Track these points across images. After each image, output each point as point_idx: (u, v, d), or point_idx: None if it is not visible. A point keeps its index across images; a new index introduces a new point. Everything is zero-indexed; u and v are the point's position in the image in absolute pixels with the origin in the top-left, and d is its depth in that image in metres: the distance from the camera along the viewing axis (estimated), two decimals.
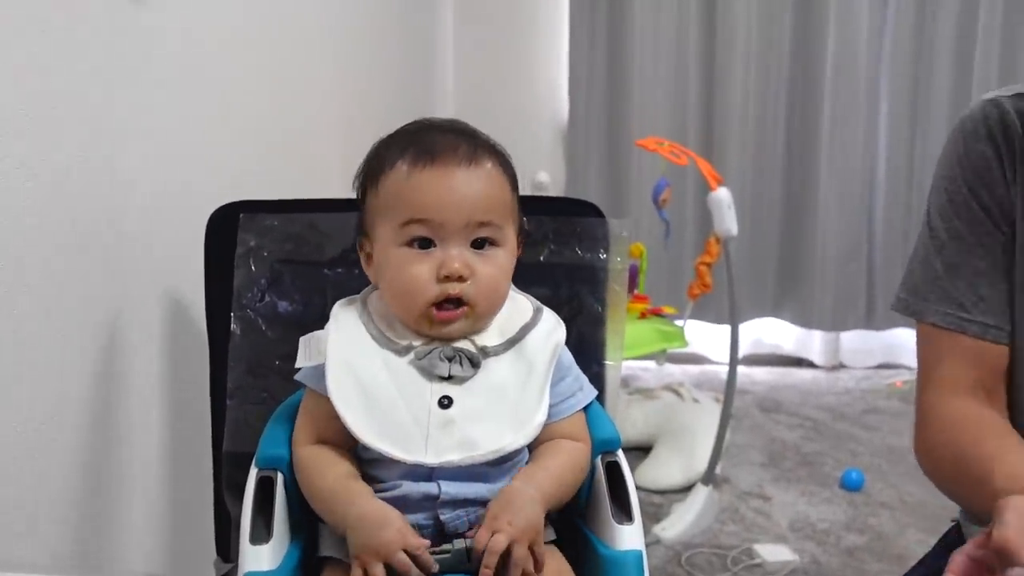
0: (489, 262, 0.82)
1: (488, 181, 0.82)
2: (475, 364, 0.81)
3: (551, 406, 0.83)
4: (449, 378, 0.80)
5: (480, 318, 0.83)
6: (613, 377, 1.03)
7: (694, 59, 3.41)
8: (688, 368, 3.50)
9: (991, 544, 0.66)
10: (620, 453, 0.87)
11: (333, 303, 0.88)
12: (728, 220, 2.07)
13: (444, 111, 3.24)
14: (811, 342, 3.61)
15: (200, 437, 1.07)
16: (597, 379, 1.00)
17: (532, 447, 0.83)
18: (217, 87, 1.31)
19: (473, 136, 0.85)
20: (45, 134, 0.89)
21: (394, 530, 0.73)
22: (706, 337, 3.53)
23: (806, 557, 1.97)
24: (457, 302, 0.80)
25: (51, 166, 0.90)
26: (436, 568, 0.74)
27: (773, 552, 1.96)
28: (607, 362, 1.03)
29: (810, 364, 3.62)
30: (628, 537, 0.80)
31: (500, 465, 0.81)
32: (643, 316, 2.44)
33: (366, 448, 0.80)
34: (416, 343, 0.82)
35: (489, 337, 0.83)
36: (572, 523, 0.87)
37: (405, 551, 0.72)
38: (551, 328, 0.86)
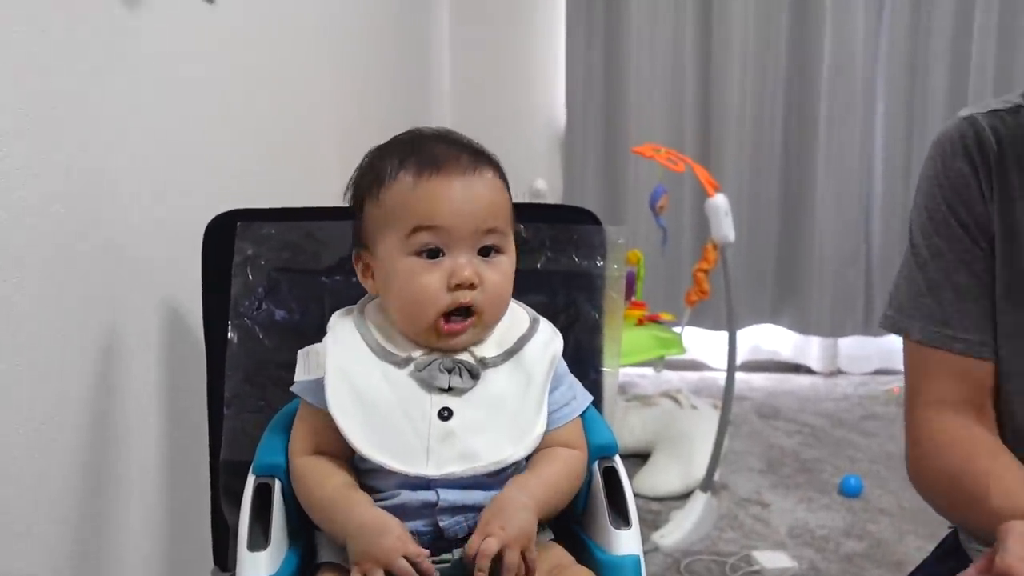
0: (496, 269, 0.82)
1: (492, 188, 0.83)
2: (474, 376, 0.81)
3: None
4: (449, 390, 0.80)
5: (486, 327, 0.83)
6: (611, 384, 1.03)
7: (691, 65, 3.42)
8: (686, 375, 3.50)
9: (994, 570, 0.66)
10: (617, 458, 0.87)
11: (330, 311, 0.88)
12: (725, 226, 2.08)
13: (441, 119, 3.25)
14: (809, 348, 3.61)
15: (197, 445, 1.07)
16: (595, 386, 1.00)
17: (529, 455, 0.83)
18: (214, 94, 1.31)
19: (470, 145, 0.86)
20: (40, 141, 0.89)
21: (394, 537, 0.73)
22: (704, 344, 3.54)
23: (805, 564, 1.97)
24: (466, 312, 0.81)
25: (47, 173, 0.90)
26: (437, 575, 0.74)
27: (772, 559, 1.96)
28: (604, 369, 1.03)
29: (808, 370, 3.62)
30: (626, 542, 0.80)
31: (499, 475, 0.81)
32: (640, 323, 2.44)
33: (364, 459, 0.80)
34: (415, 355, 0.82)
35: (487, 348, 0.84)
36: (570, 529, 0.87)
37: (406, 558, 0.72)
38: (548, 339, 0.87)
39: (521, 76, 3.57)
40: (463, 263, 0.80)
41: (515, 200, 0.87)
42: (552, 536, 0.85)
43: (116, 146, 1.03)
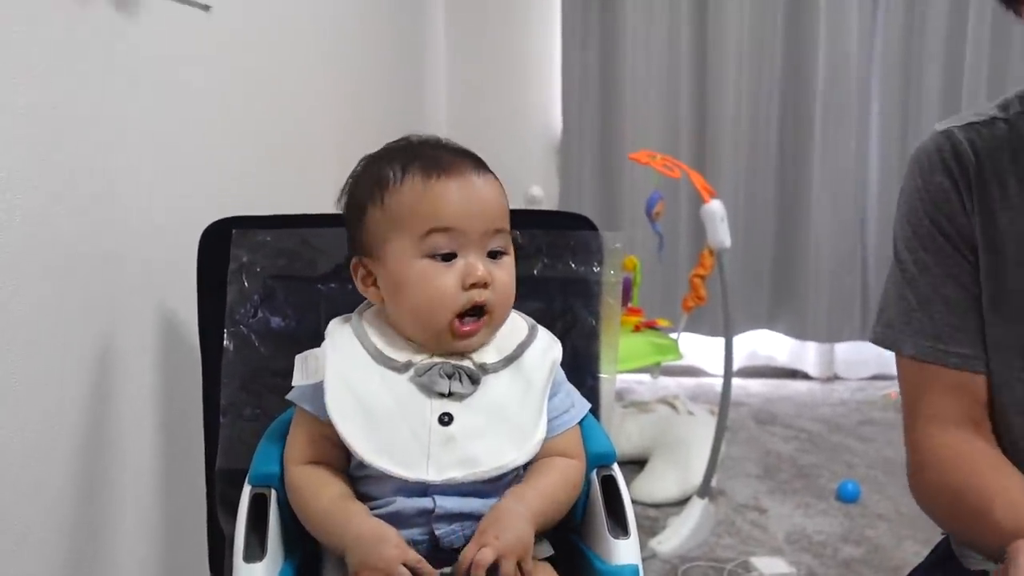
0: (503, 269, 0.83)
1: (497, 190, 0.84)
2: (475, 381, 0.81)
3: None
4: (449, 395, 0.80)
5: (495, 327, 0.84)
6: (608, 390, 1.03)
7: (686, 71, 3.43)
8: (683, 381, 3.50)
9: None
10: (616, 467, 0.87)
11: (326, 318, 0.87)
12: (721, 232, 2.08)
13: (437, 125, 3.25)
14: (805, 353, 3.62)
15: (193, 454, 1.06)
16: (592, 392, 0.99)
17: (528, 464, 0.83)
18: (211, 100, 1.31)
19: (465, 150, 0.86)
20: (36, 147, 0.89)
21: (392, 545, 0.72)
22: (701, 349, 3.54)
23: (803, 569, 1.96)
24: (479, 312, 0.81)
25: (44, 179, 0.90)
26: None
27: (770, 565, 1.95)
28: (602, 375, 1.02)
29: (805, 376, 3.62)
30: (624, 551, 0.79)
31: (497, 482, 0.80)
32: (637, 329, 2.44)
33: (361, 465, 0.79)
34: (415, 360, 0.82)
35: (488, 354, 0.83)
36: (568, 538, 0.87)
37: (405, 565, 0.71)
38: (547, 345, 0.87)
39: (517, 82, 3.57)
40: (476, 263, 0.80)
41: (511, 206, 0.87)
42: (551, 550, 0.84)
43: (112, 153, 1.03)
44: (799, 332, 3.55)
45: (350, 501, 0.79)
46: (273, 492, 0.81)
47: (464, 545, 0.76)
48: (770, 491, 2.41)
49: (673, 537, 2.04)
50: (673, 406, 2.66)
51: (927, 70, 3.34)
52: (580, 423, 0.88)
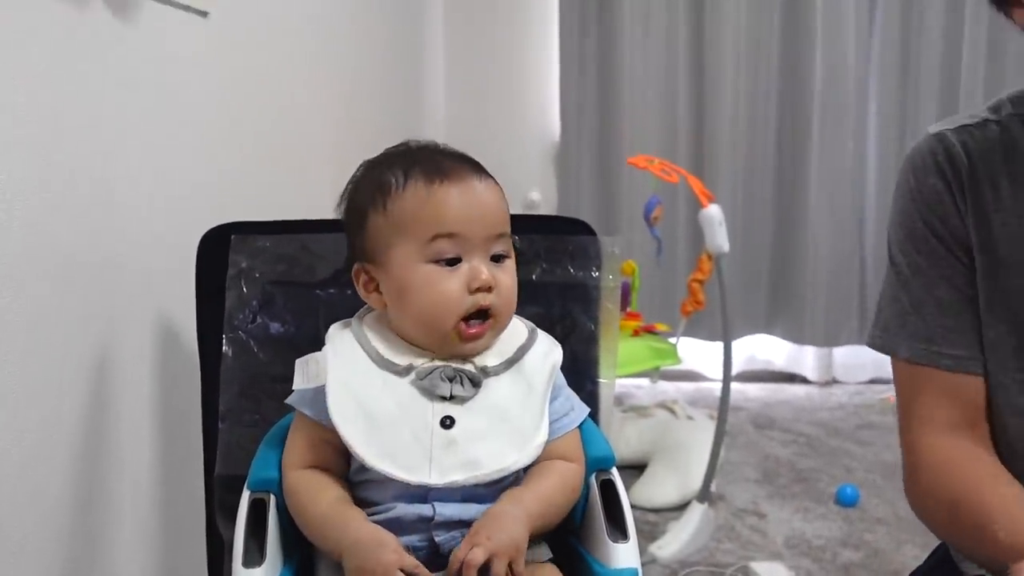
0: (506, 273, 0.83)
1: (498, 195, 0.84)
2: (476, 384, 0.81)
3: None
4: (451, 398, 0.80)
5: (499, 330, 0.84)
6: (607, 395, 1.03)
7: (684, 76, 3.43)
8: (682, 385, 3.50)
9: None
10: (615, 471, 0.87)
11: (325, 324, 0.87)
12: (719, 237, 2.08)
13: (435, 131, 3.25)
14: (804, 358, 3.62)
15: (192, 460, 1.06)
16: (591, 397, 0.99)
17: (529, 466, 0.83)
18: (209, 107, 1.31)
19: (463, 154, 0.86)
20: (34, 154, 0.89)
21: (390, 550, 0.72)
22: (699, 354, 3.54)
23: (802, 574, 1.96)
24: (484, 315, 0.81)
25: (41, 186, 0.90)
26: None
27: (769, 570, 1.95)
28: (601, 380, 1.03)
29: (803, 380, 3.62)
30: (624, 555, 0.80)
31: (497, 486, 0.81)
32: (636, 334, 2.44)
33: (362, 470, 0.79)
34: (417, 363, 0.82)
35: (488, 357, 0.84)
36: (567, 542, 0.87)
37: (403, 571, 0.71)
38: (547, 349, 0.87)
39: (515, 87, 3.58)
40: (481, 267, 0.81)
41: (510, 211, 0.87)
42: (550, 553, 0.84)
43: (111, 158, 1.03)
44: (797, 336, 3.55)
45: (348, 506, 0.79)
46: (272, 497, 0.81)
47: None
48: (769, 496, 2.41)
49: (673, 542, 2.04)
50: (672, 411, 2.66)
51: (924, 72, 3.35)
52: (580, 427, 0.88)
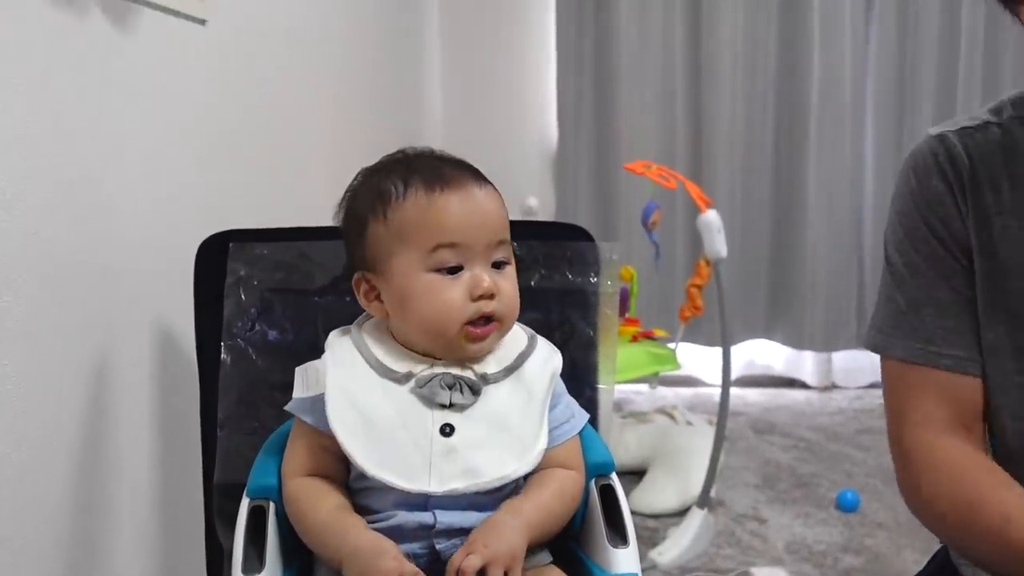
0: (507, 279, 0.84)
1: (498, 202, 0.85)
2: (475, 391, 0.81)
3: None
4: (450, 406, 0.80)
5: (503, 334, 0.84)
6: (606, 401, 1.03)
7: (681, 81, 3.44)
8: (681, 391, 3.50)
9: None
10: (614, 476, 0.87)
11: (324, 331, 0.87)
12: (718, 242, 2.08)
13: (433, 138, 3.26)
14: (803, 363, 3.62)
15: (191, 467, 1.06)
16: (590, 403, 0.99)
17: (529, 475, 0.83)
18: (207, 114, 1.31)
19: (462, 161, 0.86)
20: (32, 162, 0.89)
21: (390, 558, 0.72)
22: (698, 359, 3.53)
23: None
24: (487, 319, 0.81)
25: (39, 194, 0.90)
26: None
27: (770, 575, 1.95)
28: (600, 386, 1.03)
29: (803, 385, 3.62)
30: (624, 560, 0.80)
31: (498, 493, 0.81)
32: (635, 339, 2.44)
33: (362, 478, 0.79)
34: (416, 371, 0.82)
35: (488, 364, 0.84)
36: (567, 548, 0.87)
37: None
38: (547, 355, 0.87)
39: (512, 94, 3.58)
40: (483, 275, 0.81)
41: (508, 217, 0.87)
42: (550, 558, 0.84)
43: (108, 166, 1.03)
44: (796, 341, 3.55)
45: (348, 513, 0.79)
46: (271, 504, 0.81)
47: None
48: (769, 501, 2.41)
49: (673, 548, 2.04)
50: (671, 416, 2.66)
51: (921, 75, 3.36)
52: (579, 433, 0.88)
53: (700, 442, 2.42)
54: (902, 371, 0.90)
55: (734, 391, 2.92)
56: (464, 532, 0.78)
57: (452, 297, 0.80)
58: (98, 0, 1.00)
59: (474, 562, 0.71)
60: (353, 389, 0.80)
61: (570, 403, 0.89)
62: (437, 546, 0.78)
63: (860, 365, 3.57)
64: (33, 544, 0.90)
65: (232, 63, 1.40)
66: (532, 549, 0.79)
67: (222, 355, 0.98)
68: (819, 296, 3.47)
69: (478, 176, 0.85)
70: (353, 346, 0.84)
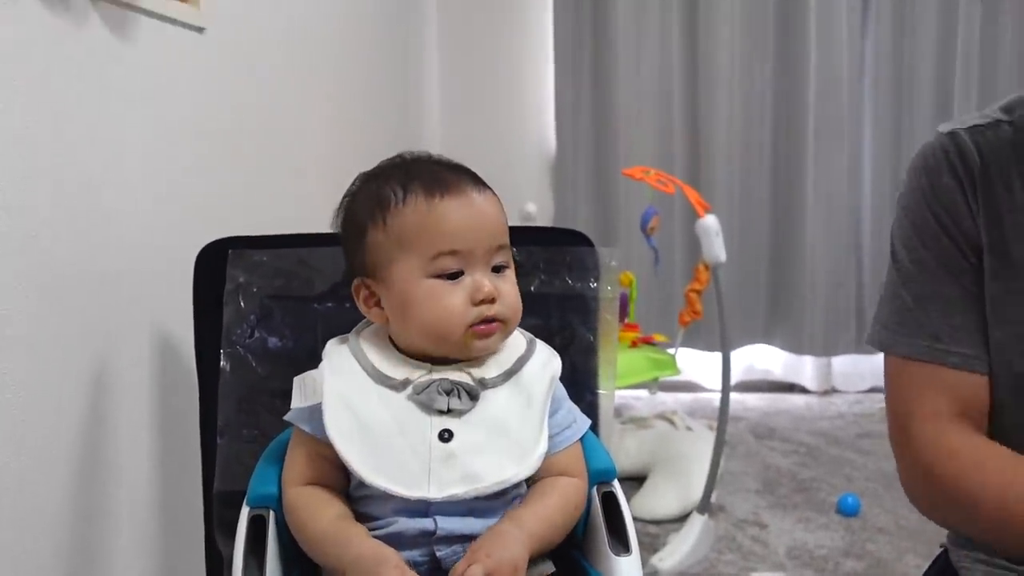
0: (508, 282, 0.84)
1: (497, 206, 0.85)
2: (473, 397, 0.81)
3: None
4: (448, 412, 0.80)
5: (507, 334, 0.84)
6: (607, 406, 1.03)
7: (678, 86, 3.44)
8: (680, 396, 3.50)
9: None
10: (616, 483, 0.87)
11: (323, 338, 0.87)
12: (716, 247, 2.08)
13: (431, 143, 3.26)
14: (803, 367, 3.62)
15: (190, 475, 1.06)
16: (591, 408, 0.99)
17: (531, 480, 0.83)
18: (205, 122, 1.31)
19: (460, 165, 0.86)
20: (31, 170, 0.89)
21: (392, 566, 0.72)
22: (698, 364, 3.53)
23: None
24: (491, 319, 0.81)
25: (38, 202, 0.90)
26: None
27: None
28: (600, 391, 1.02)
29: (802, 389, 3.62)
30: (626, 568, 0.79)
31: (498, 499, 0.80)
32: (634, 345, 2.44)
33: (361, 486, 0.79)
34: (413, 377, 0.81)
35: (487, 369, 0.83)
36: (570, 555, 0.87)
37: None
38: (546, 359, 0.87)
39: (510, 99, 3.59)
40: (483, 280, 0.81)
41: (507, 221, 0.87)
42: (553, 568, 0.84)
43: (107, 174, 1.03)
44: (796, 346, 3.55)
45: (349, 522, 0.79)
46: (271, 513, 0.81)
47: None
48: (770, 506, 2.40)
49: (674, 554, 2.03)
50: (671, 422, 2.65)
51: (918, 82, 3.37)
52: (581, 440, 0.88)
53: (700, 447, 2.42)
54: (907, 368, 0.89)
55: (734, 396, 2.91)
56: (465, 539, 0.77)
57: (454, 302, 0.80)
58: (97, 8, 1.00)
59: (476, 572, 0.71)
60: (351, 397, 0.80)
61: (571, 408, 0.89)
62: (438, 553, 0.77)
63: (860, 369, 3.57)
64: (32, 553, 0.90)
65: (230, 70, 1.40)
66: (534, 559, 0.78)
67: (221, 362, 0.98)
68: (818, 300, 3.47)
69: (477, 181, 0.85)
70: (350, 354, 0.83)
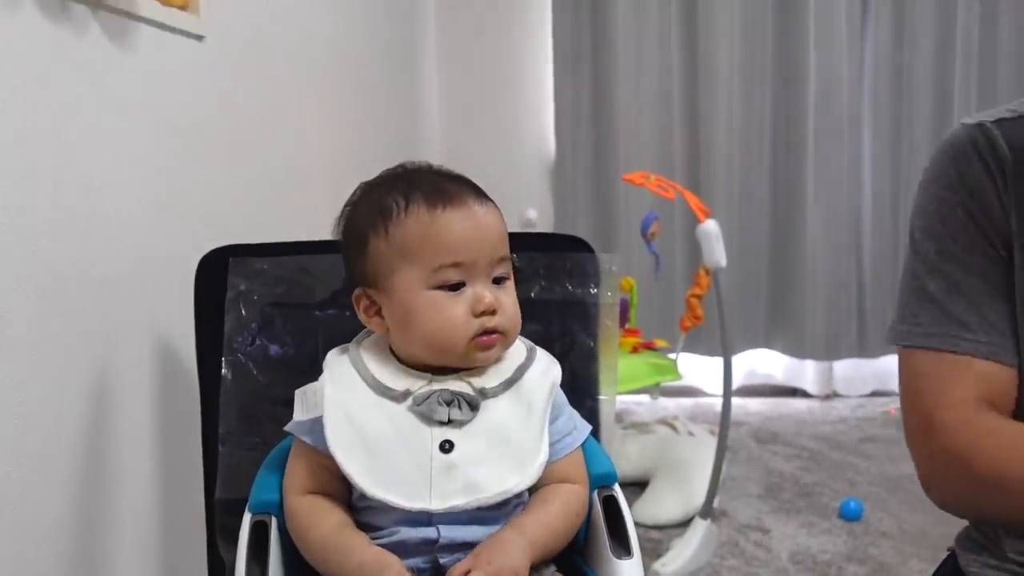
0: (508, 294, 0.84)
1: (498, 218, 0.85)
2: (474, 407, 0.81)
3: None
4: (449, 422, 0.80)
5: (507, 346, 0.85)
6: (607, 412, 1.02)
7: (678, 91, 3.45)
8: (682, 401, 3.49)
9: None
10: (617, 488, 0.87)
11: (325, 345, 0.87)
12: (717, 252, 2.08)
13: (431, 151, 3.26)
14: (804, 371, 3.61)
15: (192, 483, 1.06)
16: (592, 414, 0.99)
17: (533, 487, 0.83)
18: (205, 129, 1.31)
19: (461, 176, 0.86)
20: (31, 177, 0.89)
21: (395, 573, 0.72)
22: (699, 369, 3.53)
23: None
24: (492, 331, 0.82)
25: (38, 209, 0.90)
26: None
27: None
28: (601, 397, 1.02)
29: (804, 394, 3.61)
30: (628, 572, 0.79)
31: (500, 508, 0.80)
32: (635, 350, 2.44)
33: (363, 497, 0.79)
34: (413, 388, 0.81)
35: (487, 379, 0.83)
36: (571, 560, 0.86)
37: None
38: (546, 367, 0.87)
39: (509, 105, 3.59)
40: (484, 292, 0.81)
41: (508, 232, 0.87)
42: (555, 570, 0.84)
43: (108, 181, 1.03)
44: (797, 350, 3.54)
45: (351, 530, 0.79)
46: (274, 520, 0.81)
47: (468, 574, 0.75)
48: (773, 511, 2.40)
49: (676, 559, 2.03)
50: (673, 427, 2.65)
51: (917, 83, 3.38)
52: (582, 445, 0.88)
53: (702, 452, 2.41)
54: (932, 360, 0.86)
55: (735, 401, 2.91)
56: (468, 546, 0.77)
57: (455, 314, 0.80)
58: (97, 17, 1.00)
59: None
60: (351, 409, 0.80)
61: (572, 415, 0.89)
62: (440, 560, 0.77)
63: (861, 373, 3.57)
64: (34, 561, 0.90)
65: (230, 78, 1.41)
66: (536, 566, 0.78)
67: (223, 370, 0.98)
68: (819, 304, 3.47)
69: (478, 192, 0.85)
70: (351, 365, 0.83)
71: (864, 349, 3.52)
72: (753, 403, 3.50)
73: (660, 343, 2.59)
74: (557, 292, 1.03)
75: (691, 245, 3.15)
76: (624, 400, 3.35)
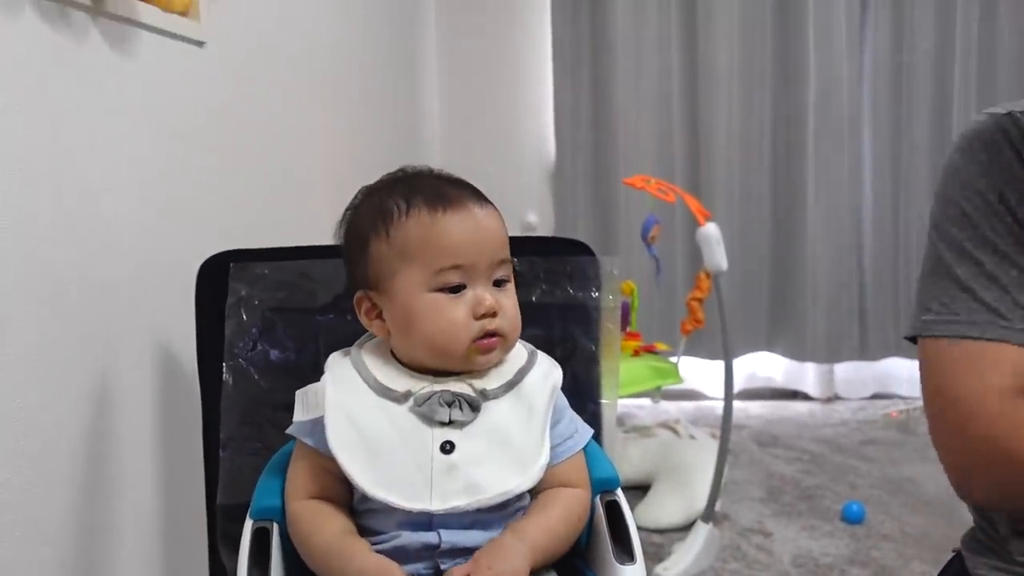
0: (508, 297, 0.84)
1: (499, 221, 0.85)
2: (475, 408, 0.81)
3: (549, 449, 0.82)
4: (450, 423, 0.80)
5: (507, 349, 0.85)
6: (609, 416, 1.02)
7: (678, 95, 3.45)
8: (683, 404, 3.49)
9: None
10: (619, 492, 0.87)
11: (326, 350, 0.87)
12: (718, 255, 2.08)
13: (431, 155, 3.27)
14: (805, 374, 3.61)
15: (193, 489, 1.05)
16: (593, 418, 0.99)
17: (534, 491, 0.83)
18: (206, 135, 1.31)
19: (461, 180, 0.87)
20: (32, 183, 0.89)
21: None
22: (700, 373, 3.53)
23: None
24: (492, 333, 0.82)
25: (39, 215, 0.90)
26: None
27: None
28: (602, 401, 1.02)
29: (805, 396, 3.61)
30: None
31: (501, 511, 0.80)
32: (636, 354, 2.43)
33: (364, 499, 0.79)
34: (415, 389, 0.81)
35: (488, 381, 0.83)
36: (573, 565, 0.86)
37: None
38: (547, 370, 0.87)
39: (509, 110, 3.59)
40: (485, 294, 0.81)
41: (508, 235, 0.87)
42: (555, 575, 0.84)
43: (109, 188, 1.03)
44: (798, 353, 3.54)
45: (352, 537, 0.79)
46: (275, 526, 0.81)
47: None
48: (774, 514, 2.39)
49: (678, 563, 2.03)
50: (674, 430, 2.65)
51: (917, 83, 3.38)
52: (584, 449, 0.87)
53: (704, 456, 2.41)
54: (964, 349, 0.83)
55: (736, 404, 2.91)
56: (469, 552, 0.77)
57: (456, 316, 0.80)
58: (97, 23, 1.01)
59: None
60: (352, 410, 0.80)
61: (573, 418, 0.88)
62: (442, 566, 0.77)
63: (862, 376, 3.57)
64: (35, 567, 0.90)
65: (230, 83, 1.41)
66: (537, 571, 0.78)
67: (224, 375, 0.98)
68: (820, 307, 3.47)
69: (479, 196, 0.85)
70: (352, 367, 0.84)
71: (865, 351, 3.52)
72: (754, 406, 3.50)
73: (661, 347, 2.59)
74: (558, 296, 1.03)
75: (692, 248, 3.15)
76: (625, 404, 3.35)
